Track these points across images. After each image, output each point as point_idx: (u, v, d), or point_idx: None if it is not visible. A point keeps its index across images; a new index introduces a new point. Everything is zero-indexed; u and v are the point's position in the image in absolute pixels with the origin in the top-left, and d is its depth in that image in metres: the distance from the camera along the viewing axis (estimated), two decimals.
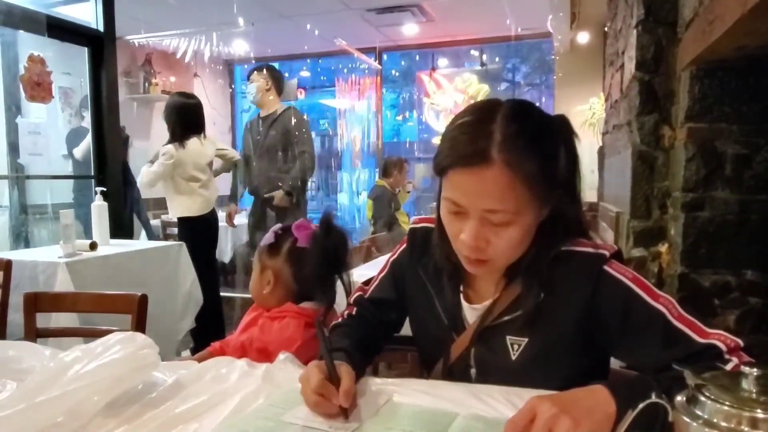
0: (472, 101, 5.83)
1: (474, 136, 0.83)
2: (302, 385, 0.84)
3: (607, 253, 0.89)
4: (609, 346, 0.92)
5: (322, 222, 1.27)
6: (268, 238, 1.34)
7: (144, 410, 0.84)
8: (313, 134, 8.16)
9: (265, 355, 1.17)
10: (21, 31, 3.96)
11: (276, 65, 7.54)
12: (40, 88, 3.99)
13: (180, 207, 3.41)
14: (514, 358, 0.92)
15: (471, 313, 0.97)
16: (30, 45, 4.23)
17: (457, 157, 0.84)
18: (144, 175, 3.39)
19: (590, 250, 0.90)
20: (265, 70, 3.66)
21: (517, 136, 0.82)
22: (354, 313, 1.12)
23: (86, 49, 4.37)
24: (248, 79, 3.73)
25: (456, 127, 0.87)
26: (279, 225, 1.37)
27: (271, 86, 3.63)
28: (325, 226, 1.25)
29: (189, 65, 6.02)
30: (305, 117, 3.74)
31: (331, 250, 1.22)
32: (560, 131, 0.89)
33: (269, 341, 1.22)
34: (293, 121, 3.64)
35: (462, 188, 0.84)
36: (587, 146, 4.68)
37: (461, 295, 0.99)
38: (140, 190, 3.80)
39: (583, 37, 5.00)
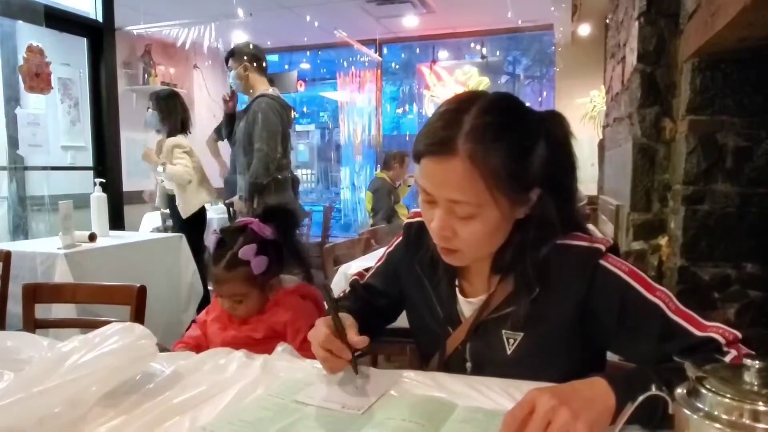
0: None
1: (445, 124, 0.83)
2: (311, 341, 0.89)
3: (602, 246, 0.88)
4: (606, 341, 0.91)
5: (267, 219, 1.30)
6: (262, 263, 1.24)
7: (142, 400, 0.84)
8: (312, 126, 8.00)
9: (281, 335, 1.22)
10: (20, 22, 3.93)
11: (276, 57, 7.52)
12: (39, 78, 3.97)
13: (194, 200, 3.40)
14: (509, 352, 0.92)
15: (467, 306, 0.97)
16: (28, 35, 4.21)
17: (426, 144, 0.84)
18: (182, 174, 3.30)
19: (586, 244, 0.89)
20: (241, 52, 3.17)
21: (486, 128, 0.81)
22: (352, 291, 1.15)
23: (85, 39, 4.35)
24: (227, 66, 3.20)
25: (434, 115, 0.87)
26: (253, 247, 1.25)
27: (249, 69, 3.10)
28: (270, 217, 1.30)
29: (188, 56, 5.99)
30: (273, 107, 3.03)
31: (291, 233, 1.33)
32: (550, 129, 0.88)
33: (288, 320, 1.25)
34: (252, 112, 3.05)
35: (429, 176, 0.85)
36: (587, 139, 4.68)
37: (457, 289, 0.99)
38: (166, 185, 3.40)
39: (585, 29, 4.98)
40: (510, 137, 0.83)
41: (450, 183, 0.82)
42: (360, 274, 1.19)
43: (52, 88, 4.03)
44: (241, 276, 1.23)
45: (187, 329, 1.39)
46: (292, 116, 3.39)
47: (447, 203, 0.84)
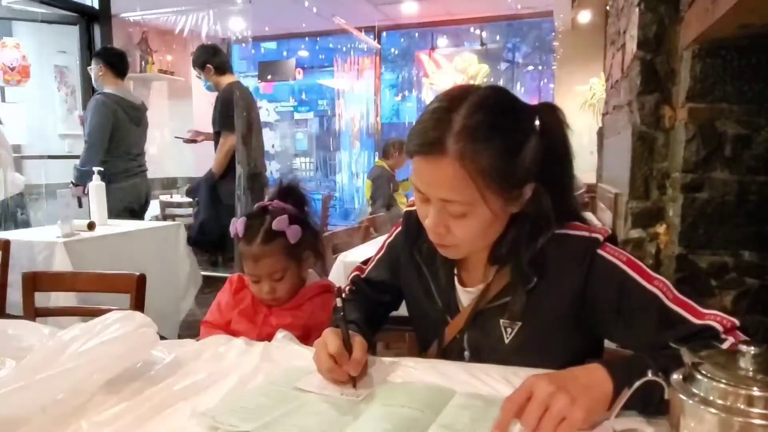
0: (471, 82, 5.78)
1: (435, 124, 0.82)
2: (318, 349, 0.88)
3: (600, 236, 0.88)
4: (604, 330, 0.92)
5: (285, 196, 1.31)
6: (297, 232, 1.24)
7: (143, 387, 0.85)
8: (311, 114, 7.98)
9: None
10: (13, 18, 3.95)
11: (274, 45, 7.45)
12: (14, 72, 4.07)
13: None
14: (507, 341, 0.92)
15: (465, 296, 0.98)
16: (24, 25, 4.19)
17: (417, 144, 0.83)
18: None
19: (584, 233, 0.89)
20: (99, 55, 3.46)
21: (476, 127, 0.80)
22: (354, 289, 1.14)
23: (77, 26, 4.32)
24: None
25: (425, 113, 0.86)
26: (285, 218, 1.25)
27: (103, 71, 3.36)
28: (287, 197, 1.30)
29: (186, 44, 5.94)
30: (104, 104, 3.28)
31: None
32: (545, 121, 0.87)
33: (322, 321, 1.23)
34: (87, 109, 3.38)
35: (420, 176, 0.85)
36: (587, 127, 4.67)
37: (455, 278, 0.99)
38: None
39: (585, 16, 4.95)
40: (500, 136, 0.82)
41: (440, 183, 0.82)
42: (359, 269, 1.18)
43: (29, 77, 4.09)
44: (279, 248, 1.22)
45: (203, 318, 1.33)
46: (136, 113, 3.44)
47: (439, 202, 0.84)
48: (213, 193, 3.52)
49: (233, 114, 3.39)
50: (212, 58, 3.53)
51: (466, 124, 0.80)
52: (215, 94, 3.60)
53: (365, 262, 1.19)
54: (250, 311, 1.27)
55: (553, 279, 0.89)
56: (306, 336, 1.15)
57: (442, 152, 0.80)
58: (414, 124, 0.87)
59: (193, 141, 4.06)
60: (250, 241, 1.22)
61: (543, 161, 0.86)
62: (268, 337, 1.10)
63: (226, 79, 3.55)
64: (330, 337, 0.88)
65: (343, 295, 1.12)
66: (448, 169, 0.80)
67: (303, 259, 1.28)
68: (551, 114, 0.89)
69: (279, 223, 1.22)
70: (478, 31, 6.28)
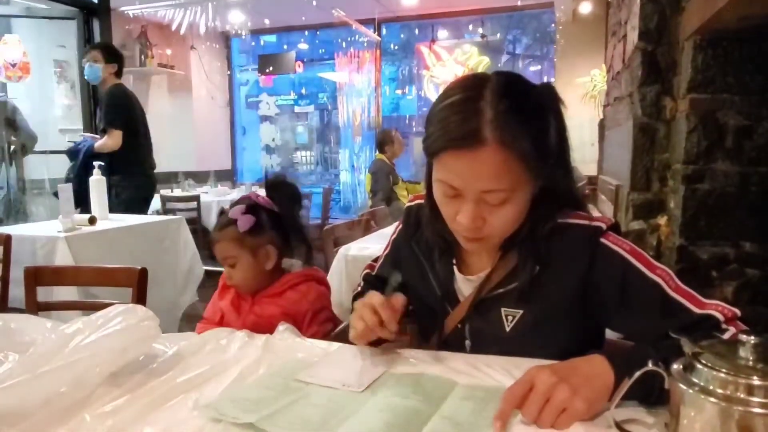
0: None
1: (464, 116, 0.81)
2: (360, 307, 0.92)
3: (603, 225, 0.89)
4: (605, 319, 0.92)
5: (270, 187, 1.33)
6: (247, 221, 1.25)
7: (146, 380, 0.85)
8: (312, 108, 7.98)
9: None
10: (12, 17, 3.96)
11: (274, 38, 7.41)
12: (15, 68, 4.12)
13: None
14: (508, 329, 0.92)
15: (465, 284, 0.98)
16: (22, 23, 4.18)
17: (449, 139, 0.81)
18: None
19: (586, 222, 0.90)
20: None
21: (509, 112, 0.80)
22: (367, 287, 1.15)
23: (74, 21, 4.32)
24: None
25: (444, 107, 0.84)
26: (242, 207, 1.27)
27: None
28: (272, 189, 1.32)
29: (185, 38, 5.92)
30: None
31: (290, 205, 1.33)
32: (548, 100, 0.87)
33: (303, 309, 1.24)
34: None
35: (456, 171, 0.83)
36: (588, 119, 4.66)
37: (455, 267, 0.99)
38: None
39: (586, 7, 4.92)
40: (531, 116, 0.82)
41: (483, 173, 0.80)
42: (370, 266, 1.20)
43: (30, 74, 4.12)
44: (229, 235, 1.25)
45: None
46: None
47: (478, 194, 0.82)
48: (87, 168, 3.27)
49: (115, 112, 3.36)
50: (115, 59, 3.49)
51: (499, 110, 0.79)
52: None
53: (376, 260, 1.20)
54: (236, 301, 1.30)
55: (555, 267, 0.89)
56: (293, 321, 1.17)
57: (481, 142, 0.79)
58: (432, 122, 0.85)
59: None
60: (216, 224, 1.30)
61: None
62: (253, 326, 1.12)
63: (113, 80, 3.50)
64: (372, 295, 0.92)
65: (358, 288, 1.16)
66: (490, 158, 0.79)
67: (263, 253, 1.27)
68: (551, 94, 0.89)
69: (233, 211, 1.26)
70: (478, 24, 6.25)
